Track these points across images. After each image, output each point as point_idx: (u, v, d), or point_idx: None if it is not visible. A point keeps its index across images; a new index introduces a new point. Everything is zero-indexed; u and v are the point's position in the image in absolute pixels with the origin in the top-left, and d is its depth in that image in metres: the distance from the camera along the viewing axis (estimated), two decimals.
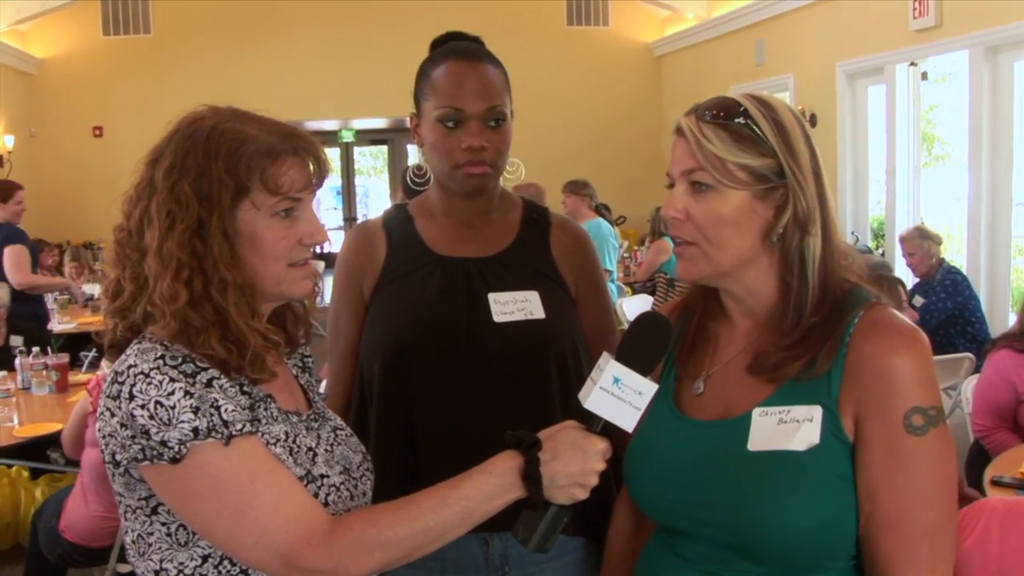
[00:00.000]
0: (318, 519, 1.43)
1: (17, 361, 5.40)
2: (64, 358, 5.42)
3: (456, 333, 1.94)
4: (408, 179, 5.90)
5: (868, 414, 1.44)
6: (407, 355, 1.95)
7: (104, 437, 1.44)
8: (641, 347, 1.47)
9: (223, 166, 1.47)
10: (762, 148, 1.48)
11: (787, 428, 1.45)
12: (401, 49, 11.76)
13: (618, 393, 1.44)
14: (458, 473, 1.48)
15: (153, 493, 1.45)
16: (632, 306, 7.57)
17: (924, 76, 8.49)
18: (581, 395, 1.48)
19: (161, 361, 1.41)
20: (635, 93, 13.09)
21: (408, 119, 2.09)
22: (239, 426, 1.42)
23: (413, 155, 16.34)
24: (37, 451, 4.85)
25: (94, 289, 8.27)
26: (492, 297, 1.97)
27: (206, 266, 1.46)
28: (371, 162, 21.43)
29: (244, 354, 1.47)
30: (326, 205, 18.76)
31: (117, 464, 1.44)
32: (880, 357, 1.43)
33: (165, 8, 11.91)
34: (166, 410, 1.38)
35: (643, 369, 1.46)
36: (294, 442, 1.53)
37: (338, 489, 1.55)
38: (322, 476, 1.53)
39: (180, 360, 1.43)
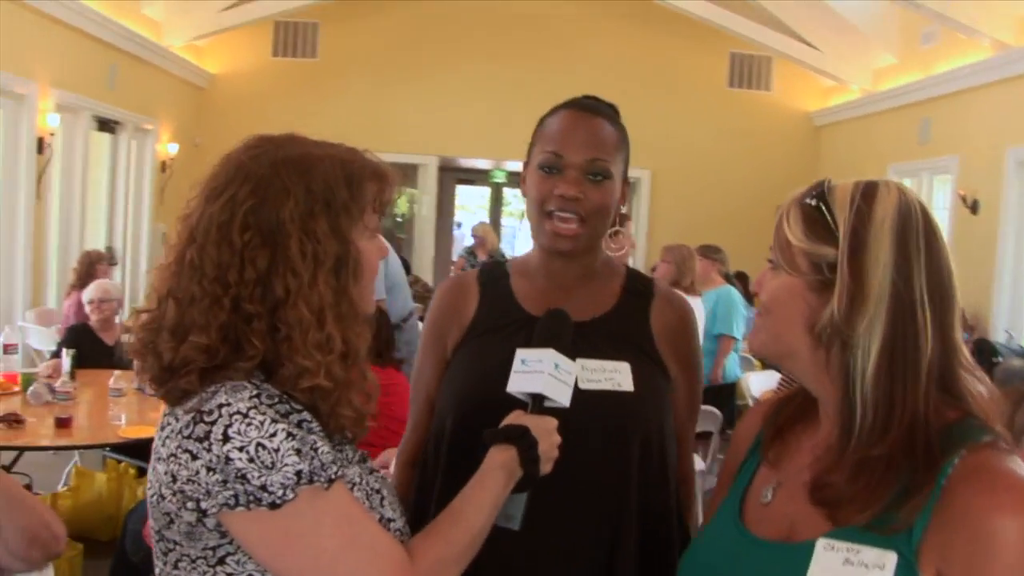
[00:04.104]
0: (402, 556, 1.41)
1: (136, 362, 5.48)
2: None
3: None
4: None
5: None
6: (480, 413, 1.79)
7: (175, 482, 1.34)
8: (561, 335, 1.73)
9: (347, 194, 1.43)
10: (829, 237, 1.33)
11: (854, 572, 1.26)
12: (558, 98, 11.79)
13: (559, 376, 1.67)
14: (525, 542, 1.64)
15: (223, 543, 1.37)
16: (759, 381, 7.16)
17: None
18: (522, 385, 1.66)
19: (257, 400, 1.34)
20: (791, 162, 12.74)
21: None
22: (335, 469, 1.36)
23: None
24: (147, 451, 4.92)
25: None
26: (580, 363, 1.82)
27: (342, 307, 1.41)
28: (520, 205, 21.59)
29: (366, 406, 1.47)
30: (469, 243, 18.90)
31: (200, 511, 1.34)
32: (980, 514, 1.21)
33: (332, 35, 12.28)
34: (269, 453, 1.30)
35: (566, 353, 1.71)
36: (368, 485, 1.48)
37: (402, 533, 1.49)
38: (390, 520, 1.48)
39: (276, 400, 1.36)
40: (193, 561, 1.40)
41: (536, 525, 1.65)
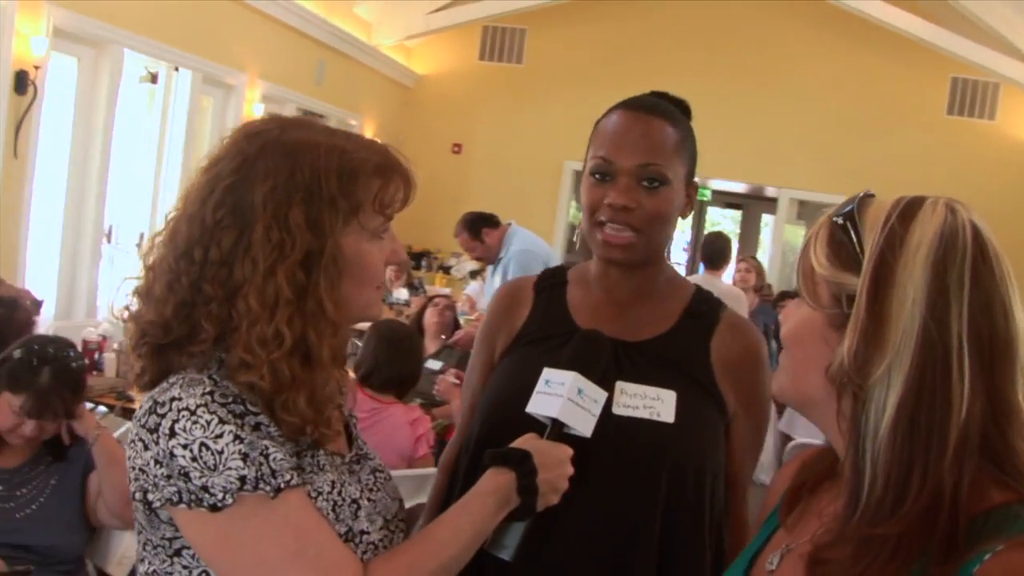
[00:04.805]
0: (354, 574, 1.32)
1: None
2: None
3: None
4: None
5: None
6: (507, 427, 1.67)
7: (133, 469, 1.33)
8: (592, 359, 1.62)
9: (336, 186, 1.35)
10: (853, 264, 1.10)
11: None
12: (767, 116, 11.46)
13: (581, 403, 1.56)
14: (537, 568, 1.60)
15: (178, 535, 1.34)
16: None
17: None
18: (541, 407, 1.56)
19: (209, 397, 1.29)
20: (1010, 196, 11.78)
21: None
22: (287, 477, 1.29)
23: (768, 225, 15.91)
24: None
25: (402, 294, 8.72)
26: (619, 385, 1.71)
27: (307, 304, 1.33)
28: (730, 226, 21.12)
29: (322, 412, 1.36)
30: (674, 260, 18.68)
31: (147, 502, 1.33)
32: None
33: (539, 42, 12.32)
34: (213, 454, 1.26)
35: (595, 379, 1.59)
36: (339, 494, 1.39)
37: (376, 547, 1.41)
38: (362, 532, 1.40)
39: (230, 399, 1.30)
40: (155, 547, 1.38)
41: (535, 557, 1.54)
